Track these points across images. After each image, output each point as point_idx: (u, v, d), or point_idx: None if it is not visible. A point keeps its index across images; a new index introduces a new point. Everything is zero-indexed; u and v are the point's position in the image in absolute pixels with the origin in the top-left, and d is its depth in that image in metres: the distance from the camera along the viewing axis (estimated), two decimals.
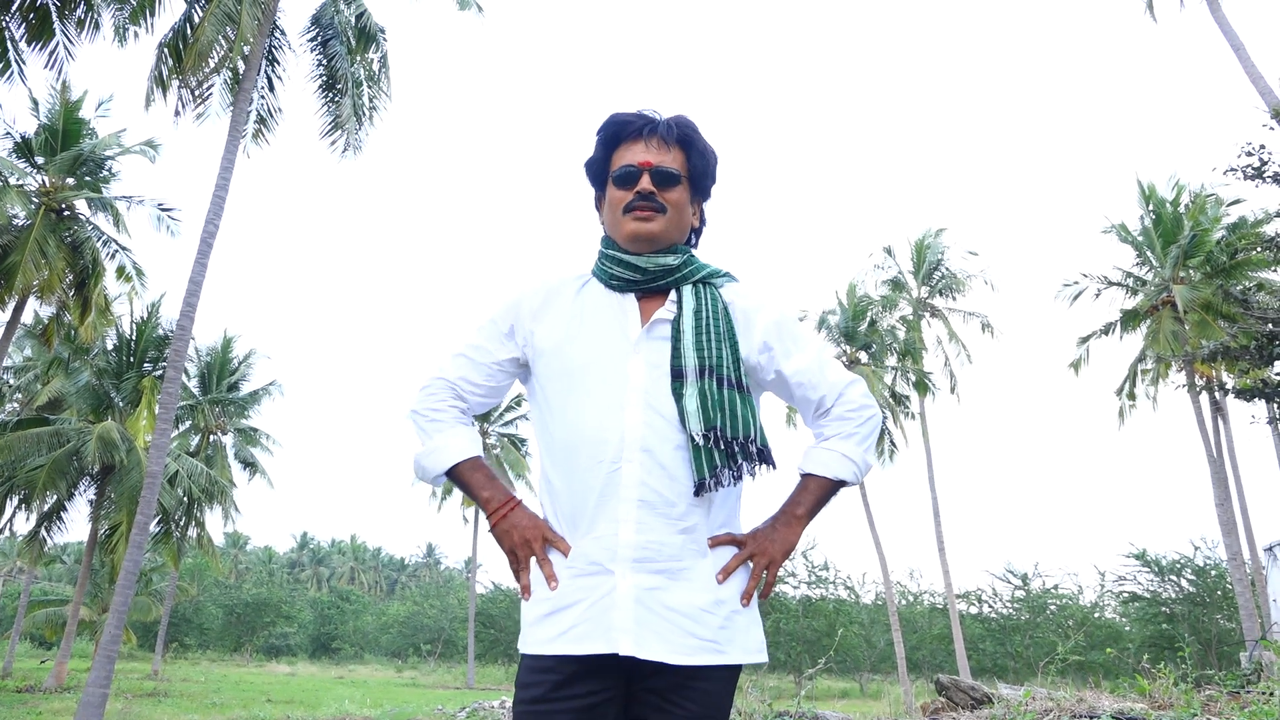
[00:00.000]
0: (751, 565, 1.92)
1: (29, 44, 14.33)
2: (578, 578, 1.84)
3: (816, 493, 1.98)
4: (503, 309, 2.09)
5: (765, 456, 1.91)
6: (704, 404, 1.87)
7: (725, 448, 1.86)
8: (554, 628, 1.82)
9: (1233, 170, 15.14)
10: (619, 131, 2.03)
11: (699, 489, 1.85)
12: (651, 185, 1.97)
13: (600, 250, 2.08)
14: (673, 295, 2.00)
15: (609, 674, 1.80)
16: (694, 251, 2.09)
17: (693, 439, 1.85)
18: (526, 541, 1.91)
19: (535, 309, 2.05)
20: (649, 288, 2.00)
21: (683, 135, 2.02)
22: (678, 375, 1.90)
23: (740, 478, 1.89)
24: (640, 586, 1.81)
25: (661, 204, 1.97)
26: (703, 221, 2.14)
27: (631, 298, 2.01)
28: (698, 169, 2.04)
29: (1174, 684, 6.88)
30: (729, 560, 1.90)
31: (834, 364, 2.04)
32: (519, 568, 1.92)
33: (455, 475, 2.00)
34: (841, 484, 1.98)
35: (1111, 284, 27.35)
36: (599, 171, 2.08)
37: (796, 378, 2.01)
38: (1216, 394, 25.22)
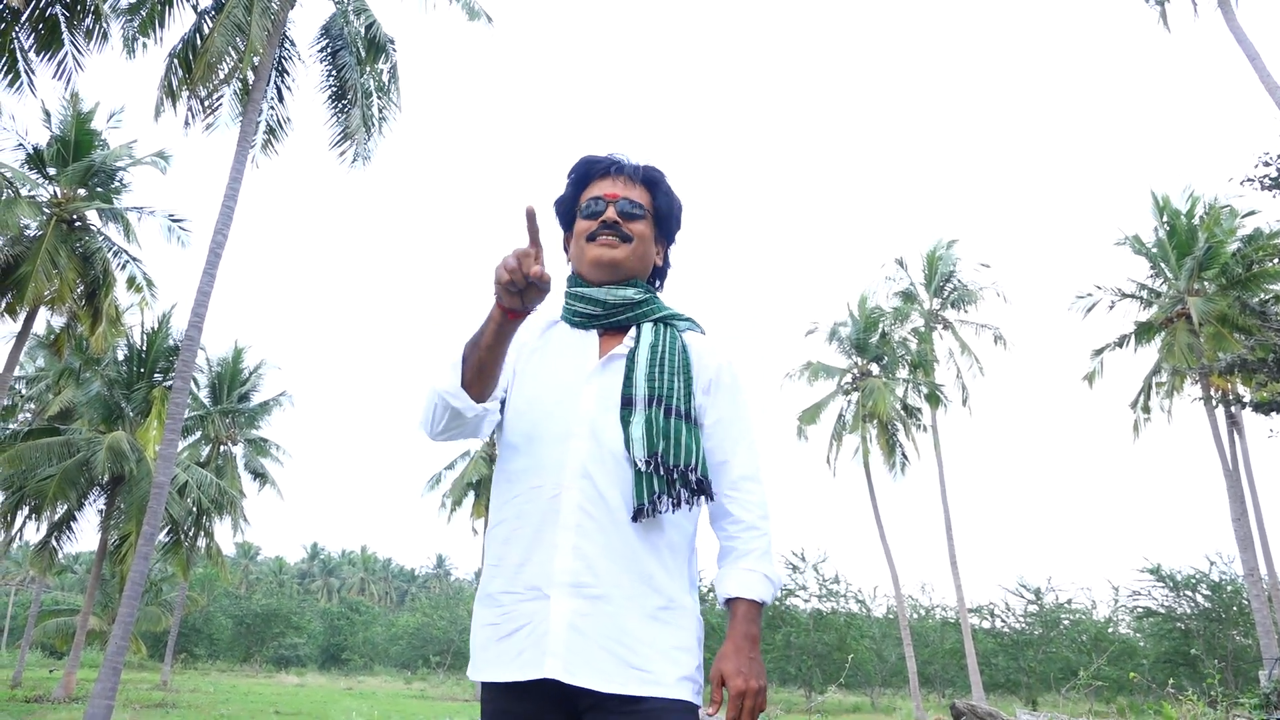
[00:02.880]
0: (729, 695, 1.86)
1: (38, 54, 14.34)
2: (520, 604, 1.86)
3: (755, 618, 1.89)
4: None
5: (704, 488, 1.89)
6: (649, 431, 1.88)
7: (666, 474, 1.86)
8: (494, 652, 1.86)
9: (1249, 180, 15.02)
10: (588, 170, 2.11)
11: (636, 514, 1.84)
12: (617, 215, 2.04)
13: (566, 289, 2.12)
14: (633, 331, 2.04)
15: (548, 699, 1.81)
16: (659, 294, 2.15)
17: (635, 464, 1.86)
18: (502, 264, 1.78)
19: (525, 350, 2.10)
20: (609, 324, 2.05)
21: (649, 176, 2.11)
22: (627, 403, 1.93)
23: (679, 505, 1.87)
24: (575, 612, 1.81)
25: (626, 233, 2.03)
26: (666, 263, 2.20)
27: (594, 334, 2.06)
28: (663, 209, 2.11)
29: (1201, 710, 6.71)
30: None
31: (752, 444, 2.02)
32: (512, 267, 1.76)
33: (467, 358, 1.91)
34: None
35: (1125, 296, 27.17)
36: (568, 210, 2.15)
37: (711, 429, 1.99)
38: (1233, 407, 24.98)
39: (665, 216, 2.13)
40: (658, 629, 1.81)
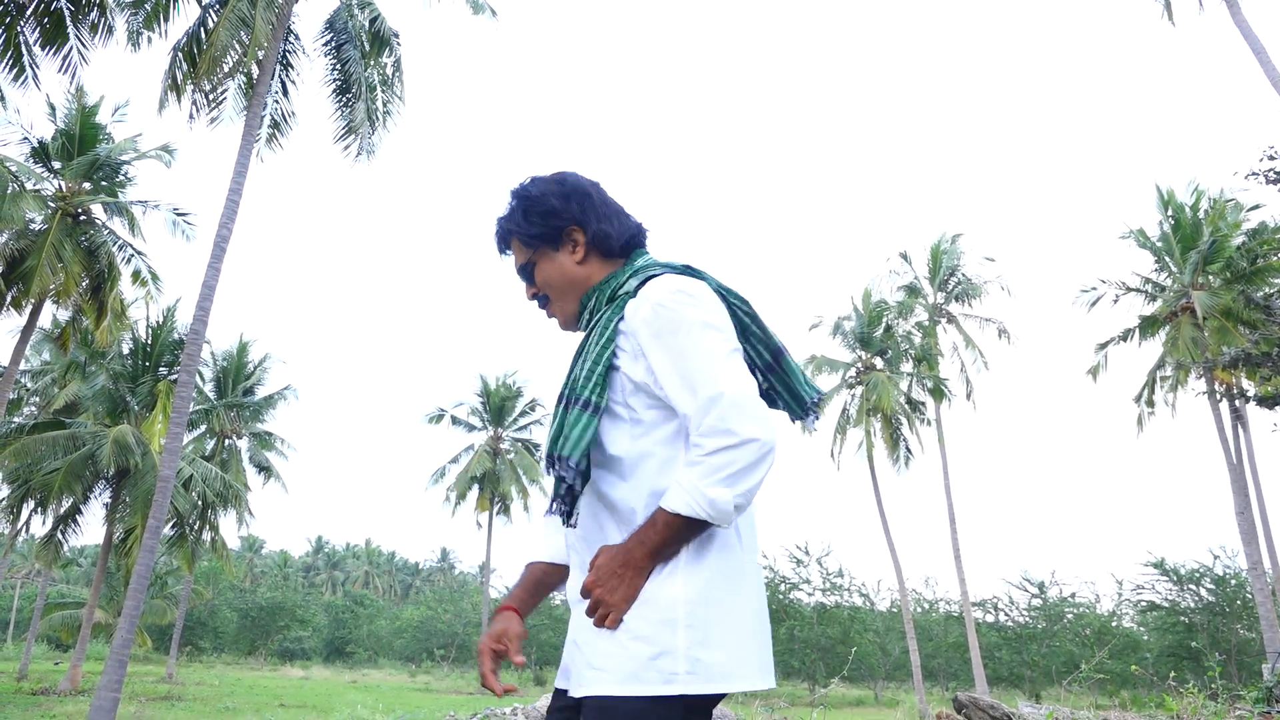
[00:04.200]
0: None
1: (43, 48, 14.35)
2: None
3: (660, 526, 1.68)
4: None
5: (568, 472, 1.76)
6: (550, 431, 1.84)
7: (554, 467, 1.80)
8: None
9: (1254, 174, 14.99)
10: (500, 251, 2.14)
11: (565, 518, 1.83)
12: (528, 290, 2.05)
13: None
14: None
15: (562, 701, 1.89)
16: (635, 260, 1.98)
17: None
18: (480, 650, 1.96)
19: None
20: None
21: (501, 238, 2.07)
22: None
23: (568, 497, 1.79)
24: (574, 625, 1.84)
25: (543, 297, 2.03)
26: (596, 237, 1.98)
27: None
28: (531, 236, 1.99)
29: (1202, 703, 6.72)
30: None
31: (691, 379, 1.71)
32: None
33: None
34: (691, 520, 1.66)
35: (1130, 290, 27.16)
36: None
37: (664, 390, 1.77)
38: (1237, 401, 24.96)
39: (539, 236, 1.99)
40: (618, 627, 1.72)
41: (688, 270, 1.93)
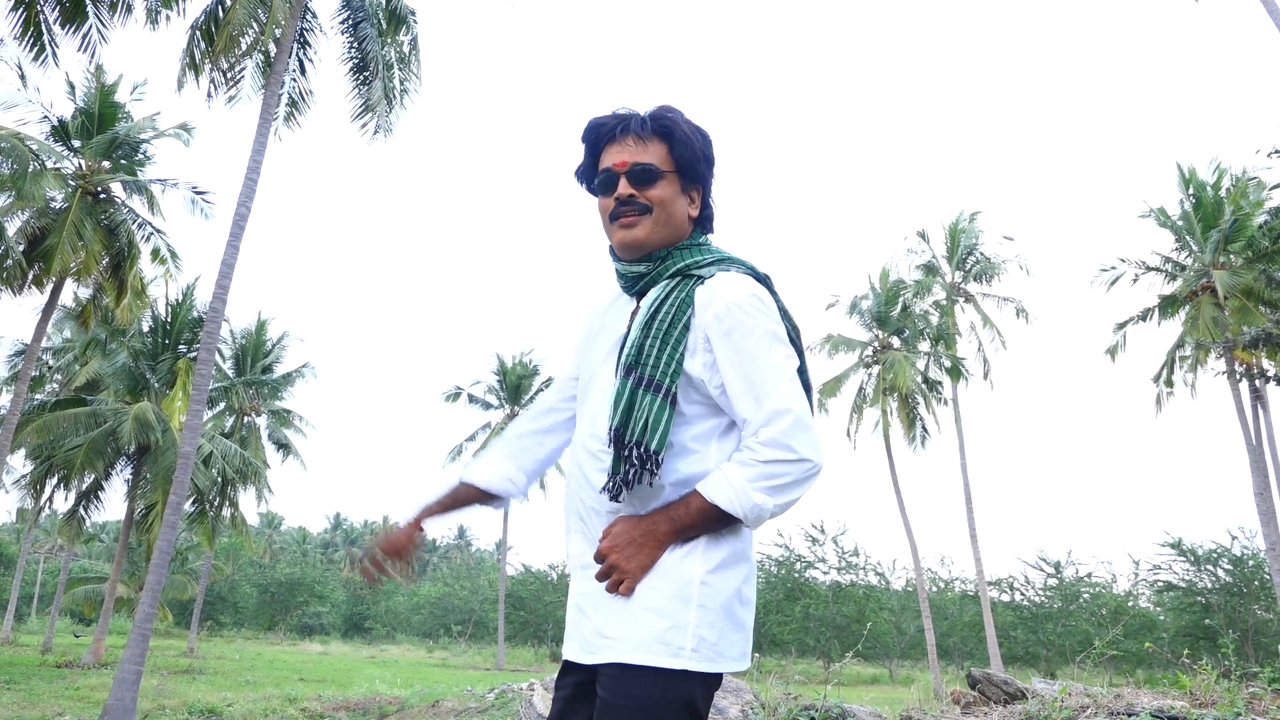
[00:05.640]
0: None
1: (62, 27, 14.40)
2: (571, 583, 1.94)
3: (693, 511, 1.74)
4: (585, 318, 2.17)
5: (646, 463, 1.74)
6: (616, 404, 1.79)
7: (626, 452, 1.76)
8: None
9: (1276, 152, 14.84)
10: (597, 136, 1.96)
11: (613, 495, 1.79)
12: (631, 187, 1.89)
13: None
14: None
15: (573, 673, 1.89)
16: (705, 241, 1.99)
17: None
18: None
19: (585, 335, 2.12)
20: (636, 292, 1.97)
21: (659, 126, 1.92)
22: (624, 374, 1.84)
23: (630, 485, 1.75)
24: (578, 592, 1.87)
25: (644, 204, 1.89)
26: (707, 208, 2.02)
27: (634, 303, 1.99)
28: (684, 158, 1.92)
29: (1215, 680, 6.72)
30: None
31: (759, 387, 1.75)
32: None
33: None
34: (724, 513, 1.72)
35: (1150, 269, 26.98)
36: (590, 179, 2.01)
37: (722, 394, 1.80)
38: (1257, 381, 24.79)
39: (689, 165, 1.93)
40: (631, 594, 1.75)
41: (761, 277, 1.95)
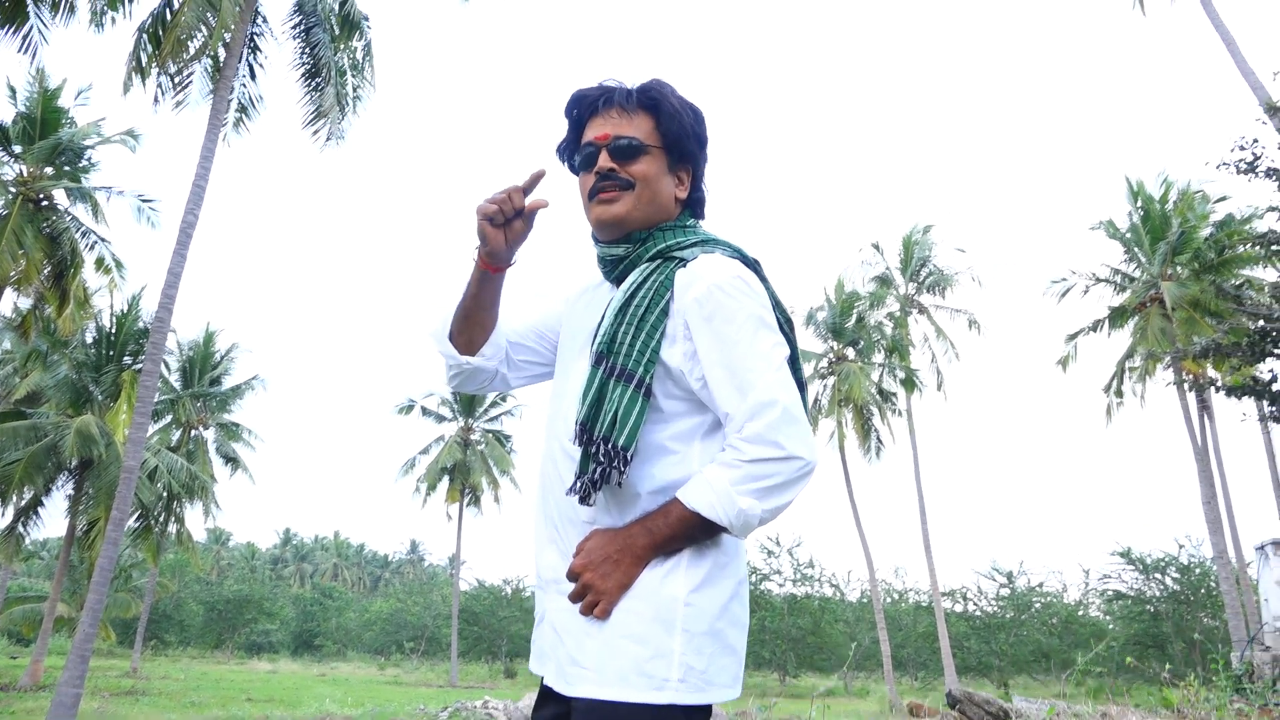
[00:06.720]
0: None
1: (2, 28, 14.00)
2: (539, 594, 1.75)
3: (672, 520, 1.57)
4: (561, 296, 2.03)
5: (614, 460, 1.57)
6: (584, 395, 1.64)
7: (593, 449, 1.59)
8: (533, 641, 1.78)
9: (1225, 165, 15.09)
10: (581, 108, 1.81)
11: (581, 497, 1.61)
12: (611, 161, 1.74)
13: None
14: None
15: (552, 703, 1.69)
16: (692, 224, 1.83)
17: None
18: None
19: (568, 307, 1.97)
20: (616, 278, 1.81)
21: (646, 98, 1.78)
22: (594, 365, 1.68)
23: (597, 484, 1.59)
24: (553, 608, 1.68)
25: (626, 179, 1.74)
26: (697, 191, 1.87)
27: (614, 290, 1.83)
28: (671, 133, 1.77)
29: (1201, 697, 6.69)
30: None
31: (754, 371, 1.58)
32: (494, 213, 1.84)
33: (457, 306, 1.97)
34: (707, 521, 1.55)
35: (1100, 281, 27.36)
36: (571, 155, 1.86)
37: (702, 380, 1.63)
38: (1203, 391, 25.22)
39: (677, 140, 1.78)
40: (608, 617, 1.58)
41: (750, 261, 1.78)
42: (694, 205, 1.87)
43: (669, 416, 1.65)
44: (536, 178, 1.82)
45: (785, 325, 1.73)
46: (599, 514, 1.65)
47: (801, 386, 1.72)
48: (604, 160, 1.75)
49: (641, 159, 1.75)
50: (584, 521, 1.67)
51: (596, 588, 1.58)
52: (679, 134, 1.78)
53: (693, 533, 1.57)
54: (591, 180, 1.77)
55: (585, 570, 1.59)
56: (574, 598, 1.60)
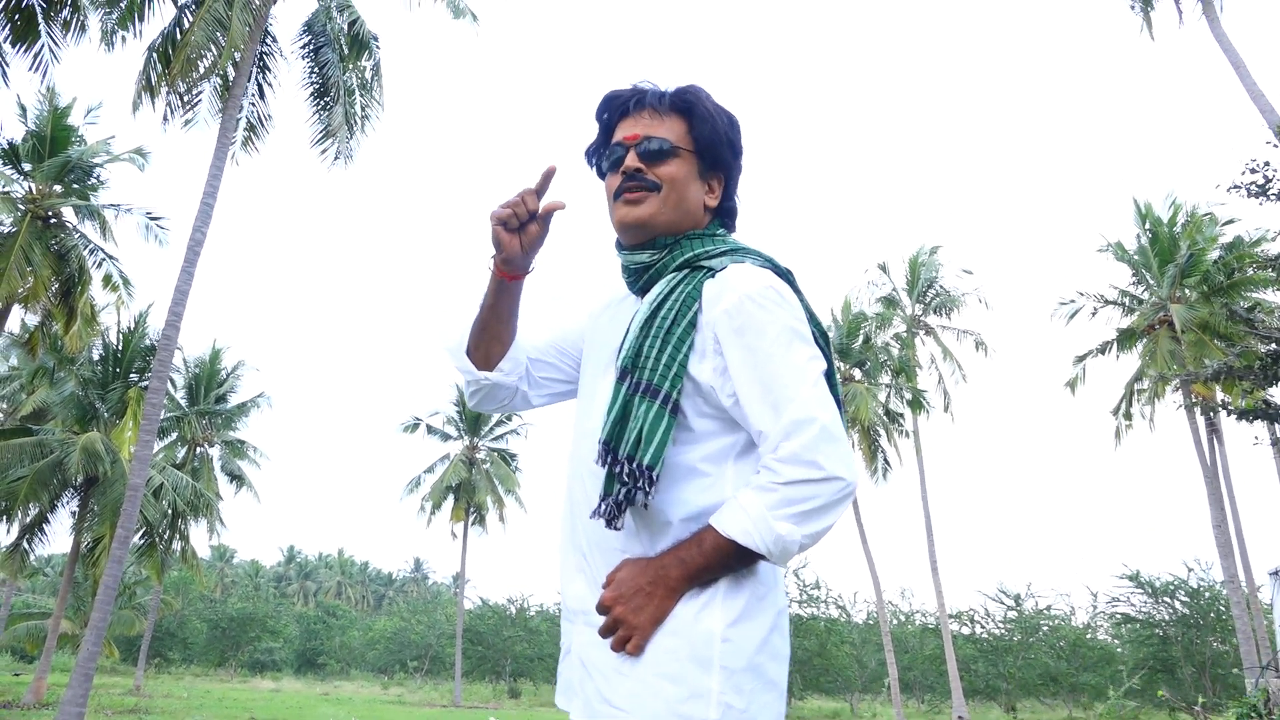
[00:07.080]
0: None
1: (13, 46, 14.04)
2: (565, 625, 1.70)
3: (706, 549, 1.49)
4: (584, 310, 1.95)
5: (638, 480, 1.51)
6: (609, 412, 1.57)
7: (617, 469, 1.53)
8: (560, 674, 1.72)
9: (1236, 188, 15.03)
10: (611, 110, 1.76)
11: (606, 520, 1.55)
12: (639, 161, 1.68)
13: None
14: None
15: None
16: (721, 232, 1.76)
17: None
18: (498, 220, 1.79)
19: (591, 322, 1.91)
20: (641, 288, 1.74)
21: (681, 101, 1.73)
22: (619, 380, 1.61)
23: (622, 505, 1.53)
24: (580, 641, 1.61)
25: (653, 181, 1.68)
26: (729, 200, 1.80)
27: (639, 302, 1.75)
28: (704, 137, 1.71)
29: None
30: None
31: (789, 388, 1.50)
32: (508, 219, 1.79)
33: (476, 321, 1.90)
34: (743, 549, 1.47)
35: (1108, 303, 27.27)
36: (599, 158, 1.80)
37: (734, 397, 1.55)
38: (1212, 414, 25.08)
39: (709, 145, 1.72)
40: (640, 654, 1.50)
41: (782, 271, 1.71)
42: (724, 215, 1.81)
43: (700, 436, 1.58)
44: (548, 176, 1.77)
45: (820, 338, 1.65)
46: (629, 541, 1.58)
47: (839, 402, 1.63)
48: (631, 160, 1.69)
49: (671, 161, 1.70)
50: (613, 549, 1.59)
51: (629, 622, 1.50)
52: (712, 139, 1.73)
53: (728, 562, 1.49)
54: (618, 180, 1.71)
55: (616, 603, 1.52)
56: (604, 632, 1.53)
